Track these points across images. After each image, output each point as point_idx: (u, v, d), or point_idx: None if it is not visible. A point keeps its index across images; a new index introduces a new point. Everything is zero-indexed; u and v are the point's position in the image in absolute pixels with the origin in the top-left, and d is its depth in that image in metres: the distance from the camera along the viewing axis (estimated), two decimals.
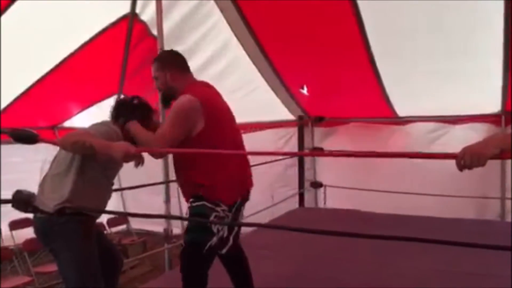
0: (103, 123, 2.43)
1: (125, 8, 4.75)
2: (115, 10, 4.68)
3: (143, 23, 4.93)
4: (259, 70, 5.50)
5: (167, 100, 2.61)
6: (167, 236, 3.98)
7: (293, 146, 6.45)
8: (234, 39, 5.09)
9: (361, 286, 3.36)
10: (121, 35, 5.00)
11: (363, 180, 5.77)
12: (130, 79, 5.72)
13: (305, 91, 5.60)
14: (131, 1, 4.72)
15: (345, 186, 5.88)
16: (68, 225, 2.22)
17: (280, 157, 6.06)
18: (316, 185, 6.37)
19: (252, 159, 2.71)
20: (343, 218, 5.35)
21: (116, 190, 2.69)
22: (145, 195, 5.98)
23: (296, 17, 4.65)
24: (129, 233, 6.95)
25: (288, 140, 6.58)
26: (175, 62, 2.60)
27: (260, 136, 6.51)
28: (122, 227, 6.93)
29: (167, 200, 3.84)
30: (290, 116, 6.44)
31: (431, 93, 5.16)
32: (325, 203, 6.28)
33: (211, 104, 2.46)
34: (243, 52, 5.25)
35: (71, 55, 4.77)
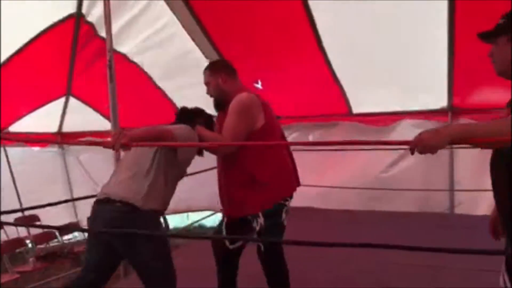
0: (185, 126, 2.50)
1: (70, 9, 4.61)
2: (60, 10, 4.54)
3: (89, 24, 4.79)
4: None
5: (220, 105, 2.69)
6: None
7: None
8: (188, 39, 5.07)
9: (327, 282, 3.40)
10: (67, 37, 4.86)
11: (314, 177, 5.85)
12: (78, 80, 5.56)
13: (259, 85, 5.59)
14: (77, 2, 4.58)
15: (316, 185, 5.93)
16: (151, 219, 2.36)
17: None
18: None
19: None
20: (298, 216, 5.36)
21: (67, 201, 2.64)
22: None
23: (250, 20, 4.68)
24: (82, 240, 6.73)
25: None
26: (225, 68, 2.73)
27: None
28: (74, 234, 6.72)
29: None
30: None
31: (379, 89, 5.28)
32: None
33: (267, 105, 2.61)
34: (199, 52, 5.23)
35: (15, 56, 4.59)
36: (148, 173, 2.37)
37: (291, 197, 2.64)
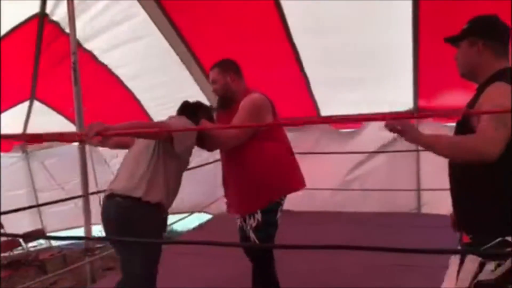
0: (179, 117, 2.56)
1: (34, 9, 4.49)
2: (23, 11, 4.41)
3: (54, 23, 4.68)
4: (188, 69, 5.48)
5: (226, 103, 2.74)
6: (88, 249, 3.78)
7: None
8: (156, 35, 5.02)
9: (297, 283, 3.39)
10: (31, 38, 4.73)
11: None
12: (42, 83, 5.42)
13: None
14: (40, 1, 4.47)
15: None
16: (152, 214, 2.36)
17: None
18: None
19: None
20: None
21: (31, 207, 2.58)
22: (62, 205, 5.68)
23: (223, 19, 4.68)
24: (48, 247, 6.55)
25: None
26: (234, 68, 2.77)
27: None
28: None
29: (87, 210, 3.66)
30: None
31: (347, 91, 5.34)
32: None
33: (273, 104, 2.68)
34: (169, 50, 5.18)
35: None
36: (148, 166, 2.39)
37: (285, 196, 2.71)
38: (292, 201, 5.87)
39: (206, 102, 5.81)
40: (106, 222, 2.41)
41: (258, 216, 2.59)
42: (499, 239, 1.55)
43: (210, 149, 2.69)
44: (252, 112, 2.55)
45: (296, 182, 2.75)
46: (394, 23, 4.46)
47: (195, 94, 5.88)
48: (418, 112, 5.51)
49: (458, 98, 5.23)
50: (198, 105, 2.74)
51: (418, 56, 4.75)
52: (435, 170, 5.45)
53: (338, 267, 3.70)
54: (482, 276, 1.57)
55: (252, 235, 2.62)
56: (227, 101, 2.73)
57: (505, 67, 1.69)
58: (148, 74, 5.64)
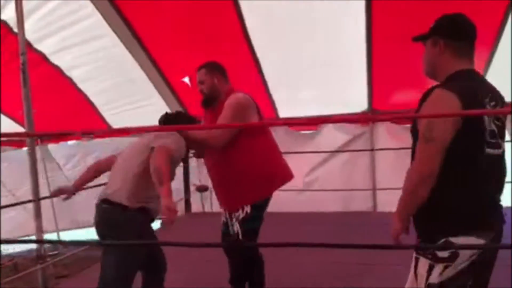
0: (167, 135, 2.53)
1: None
2: None
3: (2, 22, 4.50)
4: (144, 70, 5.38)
5: (210, 102, 2.82)
6: (40, 256, 3.64)
7: None
8: (111, 36, 4.90)
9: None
10: None
11: None
12: None
13: (187, 80, 5.53)
14: None
15: None
16: (136, 222, 2.38)
17: None
18: (202, 189, 6.29)
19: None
20: None
21: None
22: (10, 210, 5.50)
23: (179, 19, 4.63)
24: None
25: None
26: (220, 69, 2.87)
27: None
28: None
29: (38, 216, 3.53)
30: None
31: (305, 93, 5.40)
32: (212, 207, 6.24)
33: (257, 104, 2.76)
34: (124, 51, 5.07)
35: None
36: (139, 172, 2.41)
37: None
38: None
39: (162, 103, 5.84)
40: (96, 226, 2.48)
41: (248, 208, 2.66)
42: (443, 240, 1.57)
43: (199, 155, 2.78)
44: (236, 110, 2.62)
45: (286, 174, 2.86)
46: (348, 25, 4.55)
47: (151, 95, 5.81)
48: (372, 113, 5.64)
49: (411, 98, 5.43)
50: (179, 115, 2.75)
51: (371, 58, 4.87)
52: (390, 169, 5.64)
53: (297, 266, 3.73)
54: (431, 279, 1.58)
55: (237, 227, 2.67)
56: (213, 101, 2.81)
57: (463, 68, 1.68)
58: (102, 76, 5.51)
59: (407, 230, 1.75)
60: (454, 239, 1.56)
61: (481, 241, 1.55)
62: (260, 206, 2.70)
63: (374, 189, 5.84)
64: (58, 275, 4.77)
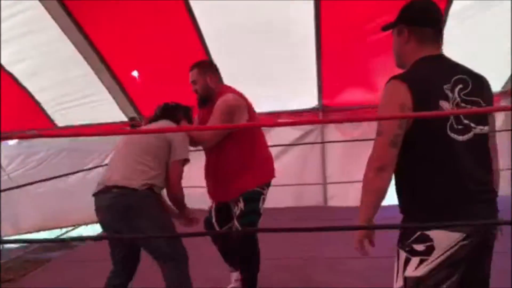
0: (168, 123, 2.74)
1: None
2: None
3: None
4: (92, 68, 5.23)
5: (205, 101, 2.91)
6: None
7: None
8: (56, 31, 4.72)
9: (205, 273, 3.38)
10: None
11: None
12: None
13: (136, 75, 5.42)
14: None
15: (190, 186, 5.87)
16: (151, 200, 2.49)
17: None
18: None
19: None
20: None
21: None
22: None
23: (127, 14, 4.51)
24: None
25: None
26: (212, 68, 2.97)
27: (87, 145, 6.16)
28: None
29: None
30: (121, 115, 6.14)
31: (257, 89, 5.40)
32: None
33: (249, 103, 2.88)
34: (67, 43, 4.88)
35: None
36: (141, 162, 2.52)
37: (268, 185, 2.92)
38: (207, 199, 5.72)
39: (111, 100, 5.67)
40: (103, 213, 2.49)
41: (241, 204, 2.77)
42: (418, 233, 1.53)
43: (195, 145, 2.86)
44: (225, 113, 2.70)
45: (272, 171, 3.00)
46: (298, 22, 4.61)
47: (99, 92, 5.63)
48: (323, 110, 5.74)
49: (361, 94, 5.59)
50: (177, 107, 2.86)
51: (321, 55, 4.96)
52: (341, 164, 5.78)
53: (276, 259, 3.75)
54: (407, 273, 1.56)
55: (236, 223, 2.79)
56: (207, 100, 2.89)
57: (426, 55, 1.63)
58: (47, 72, 5.29)
59: (371, 242, 1.70)
60: (428, 233, 1.51)
61: (455, 235, 1.49)
62: (252, 199, 2.79)
63: (324, 184, 5.95)
64: (4, 279, 4.55)
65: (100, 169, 5.58)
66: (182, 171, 2.60)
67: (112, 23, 4.74)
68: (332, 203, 5.91)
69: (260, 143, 2.95)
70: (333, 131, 5.82)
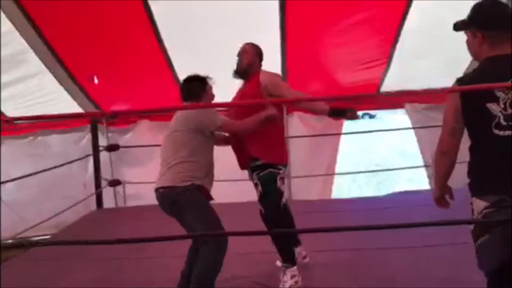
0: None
1: None
2: None
3: None
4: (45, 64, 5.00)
5: (244, 74, 3.23)
6: None
7: (85, 147, 5.97)
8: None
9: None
10: None
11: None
12: None
13: (95, 81, 5.25)
14: None
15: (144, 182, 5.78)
16: (196, 195, 2.86)
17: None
18: (114, 183, 6.03)
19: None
20: (144, 215, 5.18)
21: None
22: None
23: (81, 8, 4.35)
24: None
25: (78, 140, 6.11)
26: (262, 55, 3.33)
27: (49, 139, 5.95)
28: None
29: None
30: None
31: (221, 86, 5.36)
32: (125, 202, 6.01)
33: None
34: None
35: None
36: (189, 158, 2.87)
37: (285, 166, 3.16)
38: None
39: (69, 99, 5.48)
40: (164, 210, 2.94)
41: (260, 188, 3.01)
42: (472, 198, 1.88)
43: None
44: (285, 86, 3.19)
45: (287, 155, 3.31)
46: (262, 20, 4.59)
47: (56, 91, 5.43)
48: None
49: (323, 87, 5.62)
50: (198, 87, 3.08)
51: (286, 47, 4.94)
52: (304, 158, 5.79)
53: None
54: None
55: (259, 207, 3.01)
56: (246, 73, 3.20)
57: (491, 55, 1.84)
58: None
59: (450, 195, 2.13)
60: (472, 200, 1.89)
61: (484, 203, 1.81)
62: (269, 180, 3.01)
63: (289, 177, 5.95)
64: None
65: None
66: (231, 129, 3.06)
67: (69, 21, 4.56)
68: (296, 197, 5.88)
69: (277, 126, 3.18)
70: (297, 124, 5.82)
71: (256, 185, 3.08)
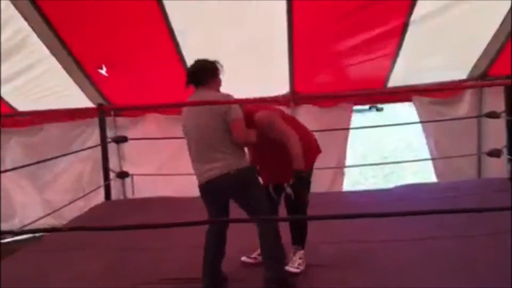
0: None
1: None
2: None
3: None
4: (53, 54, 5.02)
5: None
6: None
7: (96, 139, 6.00)
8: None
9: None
10: None
11: (173, 165, 5.80)
12: None
13: (104, 71, 5.27)
14: None
15: (152, 174, 5.83)
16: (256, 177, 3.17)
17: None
18: (122, 175, 6.08)
19: None
20: (152, 207, 5.24)
21: None
22: None
23: (99, 13, 4.40)
24: None
25: (85, 131, 6.17)
26: None
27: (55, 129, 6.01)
28: None
29: None
30: (89, 104, 5.96)
31: (228, 80, 5.36)
32: (133, 193, 6.06)
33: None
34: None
35: None
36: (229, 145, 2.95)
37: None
38: (180, 188, 5.70)
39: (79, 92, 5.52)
40: (223, 191, 3.02)
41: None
42: None
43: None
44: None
45: (318, 147, 3.49)
46: (269, 12, 4.57)
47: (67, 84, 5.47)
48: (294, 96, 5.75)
49: (332, 80, 5.63)
50: (208, 73, 3.11)
51: (292, 41, 4.94)
52: None
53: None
54: None
55: (288, 191, 3.11)
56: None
57: None
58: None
59: None
60: None
61: None
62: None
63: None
64: None
65: None
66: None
67: (81, 17, 4.58)
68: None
69: (297, 127, 3.27)
70: (304, 117, 5.80)
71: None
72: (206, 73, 3.06)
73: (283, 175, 3.14)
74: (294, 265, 3.23)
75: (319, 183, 5.66)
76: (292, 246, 3.33)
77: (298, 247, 3.32)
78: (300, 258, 3.28)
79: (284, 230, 3.18)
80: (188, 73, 3.09)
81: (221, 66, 3.14)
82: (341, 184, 6.14)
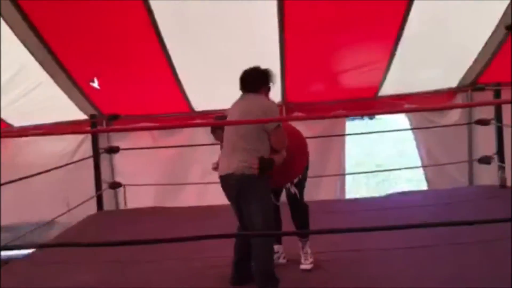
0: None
1: None
2: None
3: None
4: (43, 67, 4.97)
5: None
6: None
7: (87, 149, 5.97)
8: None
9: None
10: None
11: (167, 175, 5.83)
12: None
13: (96, 84, 5.25)
14: None
15: (145, 184, 5.81)
16: (264, 183, 3.04)
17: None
18: (115, 185, 6.03)
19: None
20: (145, 217, 5.20)
21: None
22: None
23: (81, 10, 4.34)
24: None
25: (79, 142, 6.12)
26: None
27: (48, 141, 5.94)
28: None
29: None
30: (81, 116, 5.93)
31: (220, 87, 5.37)
32: (125, 204, 6.02)
33: None
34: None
35: None
36: (257, 148, 2.99)
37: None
38: (173, 198, 5.68)
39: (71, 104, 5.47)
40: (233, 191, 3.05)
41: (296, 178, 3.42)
42: None
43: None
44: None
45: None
46: (261, 20, 4.60)
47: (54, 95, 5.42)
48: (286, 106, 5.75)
49: (323, 90, 5.65)
50: (261, 81, 3.20)
51: (284, 52, 4.95)
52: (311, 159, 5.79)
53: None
54: None
55: (293, 189, 3.39)
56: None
57: None
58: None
59: None
60: None
61: None
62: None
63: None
64: None
65: None
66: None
67: (71, 30, 4.57)
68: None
69: (290, 131, 3.39)
70: (295, 125, 5.84)
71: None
72: (260, 81, 3.17)
73: (286, 175, 3.31)
74: (307, 262, 3.40)
75: (316, 192, 5.69)
76: (300, 240, 3.46)
77: (306, 239, 3.45)
78: (309, 253, 3.44)
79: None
80: (244, 81, 3.19)
81: (274, 75, 3.25)
82: (344, 191, 6.19)
